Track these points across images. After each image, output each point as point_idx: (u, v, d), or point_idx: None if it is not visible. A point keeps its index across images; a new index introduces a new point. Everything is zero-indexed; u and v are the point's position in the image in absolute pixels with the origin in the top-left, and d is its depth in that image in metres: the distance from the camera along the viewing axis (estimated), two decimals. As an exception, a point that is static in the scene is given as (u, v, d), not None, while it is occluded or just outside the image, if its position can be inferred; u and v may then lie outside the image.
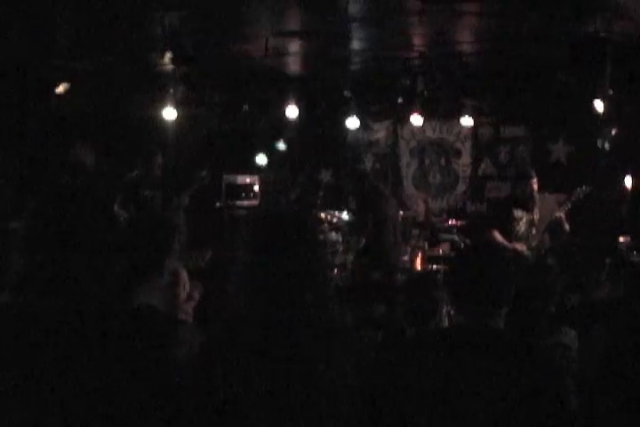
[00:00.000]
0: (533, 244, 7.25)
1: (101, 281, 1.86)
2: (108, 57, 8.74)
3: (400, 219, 9.83)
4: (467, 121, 10.06)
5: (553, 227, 7.30)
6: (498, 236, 7.23)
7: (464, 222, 9.74)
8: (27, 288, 1.81)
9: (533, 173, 7.40)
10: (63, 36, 7.99)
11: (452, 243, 9.47)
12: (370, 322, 4.50)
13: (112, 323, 1.84)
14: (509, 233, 7.25)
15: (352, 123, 10.37)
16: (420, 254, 9.05)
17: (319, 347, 2.14)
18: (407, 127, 11.03)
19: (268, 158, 11.10)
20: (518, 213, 7.31)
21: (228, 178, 10.71)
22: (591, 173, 9.14)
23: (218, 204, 10.63)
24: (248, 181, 10.84)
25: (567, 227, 7.24)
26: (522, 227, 7.30)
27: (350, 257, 8.10)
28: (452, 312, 3.60)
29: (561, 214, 7.21)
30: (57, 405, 1.71)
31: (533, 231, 7.30)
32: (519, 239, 7.24)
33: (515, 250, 7.07)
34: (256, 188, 10.86)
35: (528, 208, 7.29)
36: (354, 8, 6.92)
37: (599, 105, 8.20)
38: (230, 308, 2.27)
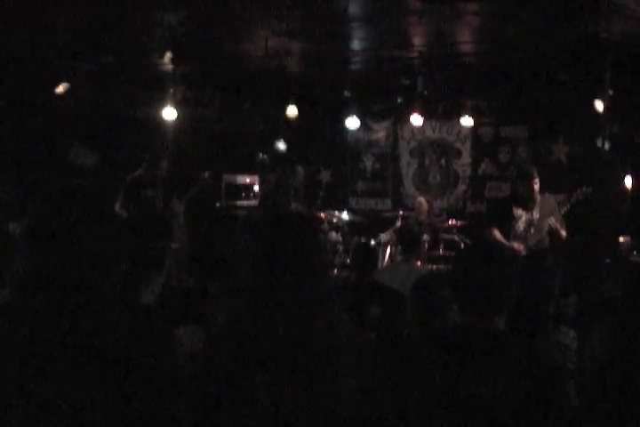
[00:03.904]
0: (532, 242, 7.27)
1: (105, 281, 1.86)
2: (108, 57, 8.74)
3: (401, 218, 9.87)
4: (467, 121, 10.06)
5: (550, 233, 7.34)
6: (497, 234, 7.25)
7: (464, 222, 9.75)
8: (28, 288, 1.81)
9: (535, 173, 7.39)
10: (63, 36, 7.98)
11: (452, 243, 9.48)
12: (367, 323, 4.49)
13: (116, 323, 1.84)
14: (508, 232, 7.27)
15: (352, 123, 10.37)
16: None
17: (320, 346, 2.14)
18: (407, 127, 11.04)
19: (268, 158, 11.11)
20: (518, 211, 7.33)
21: (227, 178, 10.71)
22: (591, 173, 9.15)
23: (218, 204, 10.64)
24: (248, 181, 10.85)
25: (564, 233, 7.28)
26: (521, 226, 7.32)
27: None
28: (453, 312, 3.60)
29: (555, 224, 7.24)
30: (58, 403, 1.71)
31: (532, 230, 7.31)
32: (518, 238, 7.26)
33: (513, 248, 7.09)
34: (256, 188, 10.86)
35: (528, 207, 7.30)
36: (354, 8, 6.92)
37: (599, 105, 8.20)
38: (232, 307, 2.27)
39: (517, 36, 7.69)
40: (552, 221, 7.24)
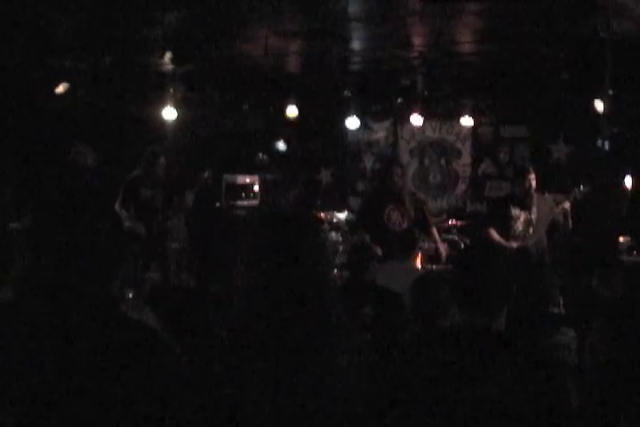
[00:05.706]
0: (530, 243, 7.25)
1: (106, 281, 1.86)
2: (108, 57, 8.74)
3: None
4: (467, 121, 10.06)
5: (558, 219, 7.31)
6: (494, 234, 7.23)
7: (464, 222, 9.74)
8: (29, 288, 1.81)
9: (531, 169, 7.38)
10: (63, 36, 7.98)
11: (452, 243, 9.47)
12: (363, 323, 4.49)
13: (118, 324, 1.84)
14: (507, 232, 7.25)
15: (352, 123, 10.37)
16: (419, 255, 9.04)
17: (321, 345, 2.14)
18: (407, 127, 11.04)
19: (268, 158, 11.11)
20: (516, 211, 7.31)
21: (228, 178, 10.71)
22: (591, 173, 9.15)
23: (218, 204, 10.63)
24: (248, 181, 10.84)
25: (570, 223, 7.26)
26: (519, 226, 7.29)
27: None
28: (453, 312, 3.60)
29: (567, 207, 7.22)
30: (60, 403, 1.71)
31: (530, 231, 7.29)
32: (516, 238, 7.24)
33: (511, 249, 7.08)
34: (256, 188, 10.86)
35: (525, 206, 7.28)
36: (354, 8, 6.93)
37: (599, 105, 8.20)
38: (233, 307, 2.27)
39: (517, 36, 7.69)
40: (566, 205, 7.24)
